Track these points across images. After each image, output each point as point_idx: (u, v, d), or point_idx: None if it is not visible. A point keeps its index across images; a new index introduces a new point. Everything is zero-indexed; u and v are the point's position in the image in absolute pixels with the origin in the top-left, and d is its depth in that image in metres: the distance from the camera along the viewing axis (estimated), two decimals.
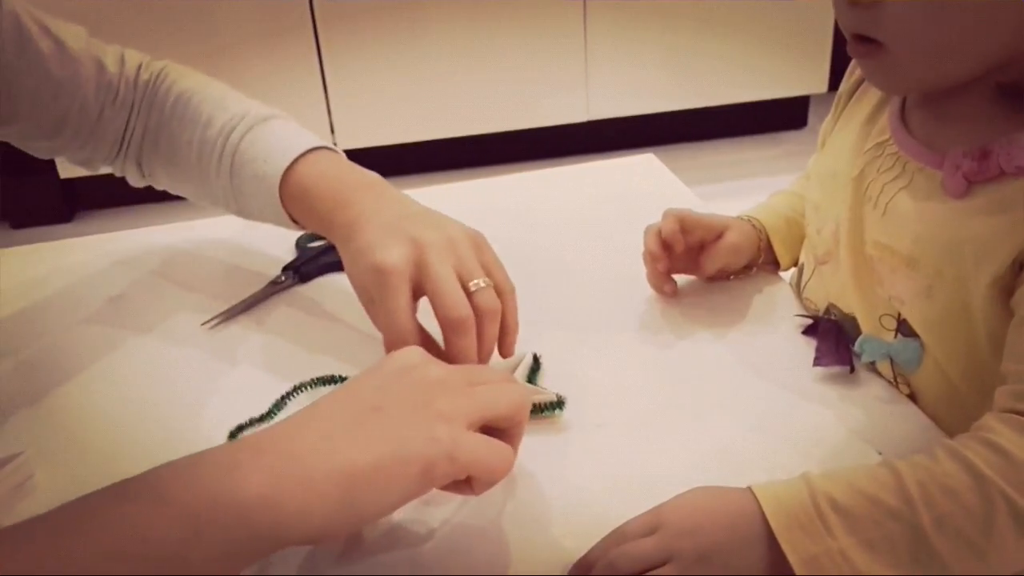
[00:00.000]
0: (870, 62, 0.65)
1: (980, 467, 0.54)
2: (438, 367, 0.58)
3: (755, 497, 0.55)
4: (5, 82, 0.79)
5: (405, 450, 0.52)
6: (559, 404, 0.69)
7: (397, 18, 2.45)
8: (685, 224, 0.80)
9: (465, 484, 0.56)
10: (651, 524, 0.56)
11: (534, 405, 0.69)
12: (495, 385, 0.59)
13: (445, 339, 0.67)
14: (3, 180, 2.52)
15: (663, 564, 0.54)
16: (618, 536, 0.56)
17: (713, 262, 0.82)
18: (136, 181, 0.91)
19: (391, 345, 0.67)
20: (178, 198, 0.91)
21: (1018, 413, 0.57)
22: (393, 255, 0.67)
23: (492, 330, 0.69)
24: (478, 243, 0.71)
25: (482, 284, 0.68)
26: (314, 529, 0.49)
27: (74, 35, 0.83)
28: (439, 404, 0.55)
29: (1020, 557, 0.54)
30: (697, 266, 0.83)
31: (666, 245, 0.81)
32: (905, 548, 0.53)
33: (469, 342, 0.67)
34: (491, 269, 0.70)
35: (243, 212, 0.84)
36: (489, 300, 0.68)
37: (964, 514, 0.53)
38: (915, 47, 0.62)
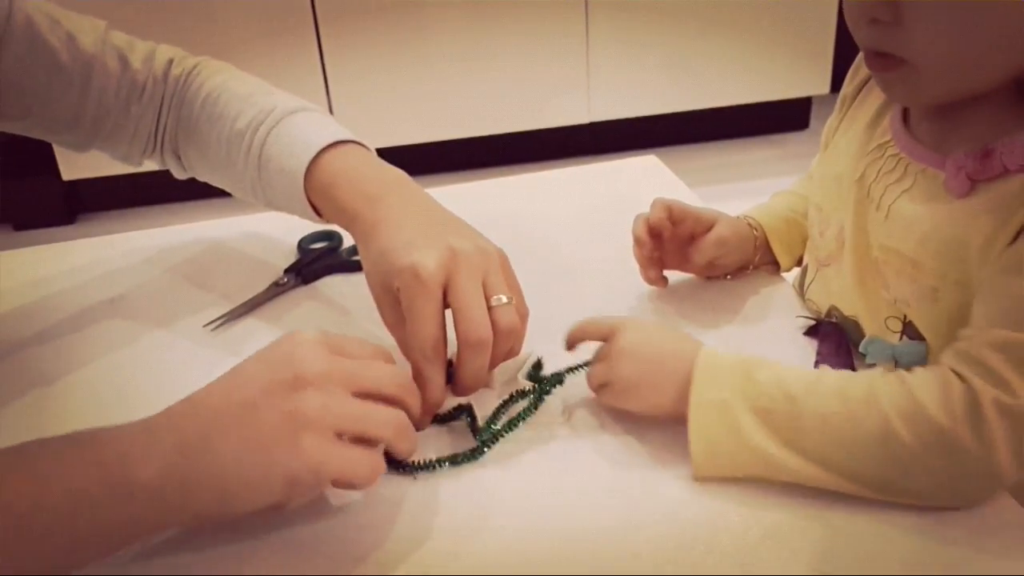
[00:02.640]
0: (890, 76, 0.65)
1: (878, 390, 0.60)
2: (321, 362, 0.58)
3: (700, 346, 0.65)
4: (16, 76, 0.79)
5: (271, 459, 0.55)
6: (556, 380, 0.71)
7: (399, 21, 2.45)
8: (674, 214, 0.81)
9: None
10: (611, 328, 0.68)
11: (531, 389, 0.70)
12: (375, 407, 0.59)
13: (460, 355, 0.67)
14: (5, 182, 2.52)
15: (605, 385, 0.67)
16: (586, 331, 0.71)
17: (702, 254, 0.81)
18: (179, 174, 0.91)
19: (416, 350, 0.67)
20: (179, 199, 0.91)
21: (942, 364, 0.61)
22: (431, 259, 0.67)
23: (506, 348, 0.69)
24: (504, 261, 0.71)
25: (504, 300, 0.68)
26: (192, 520, 0.58)
27: (90, 28, 0.83)
28: (311, 408, 0.56)
29: (893, 476, 0.59)
30: (687, 259, 0.83)
31: (654, 233, 0.81)
32: (786, 426, 0.61)
33: (484, 363, 0.67)
34: (512, 289, 0.70)
35: (272, 205, 0.84)
36: (509, 318, 0.68)
37: (846, 418, 0.60)
38: (937, 63, 0.62)
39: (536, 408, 0.70)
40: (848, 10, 0.65)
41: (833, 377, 0.62)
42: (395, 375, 0.62)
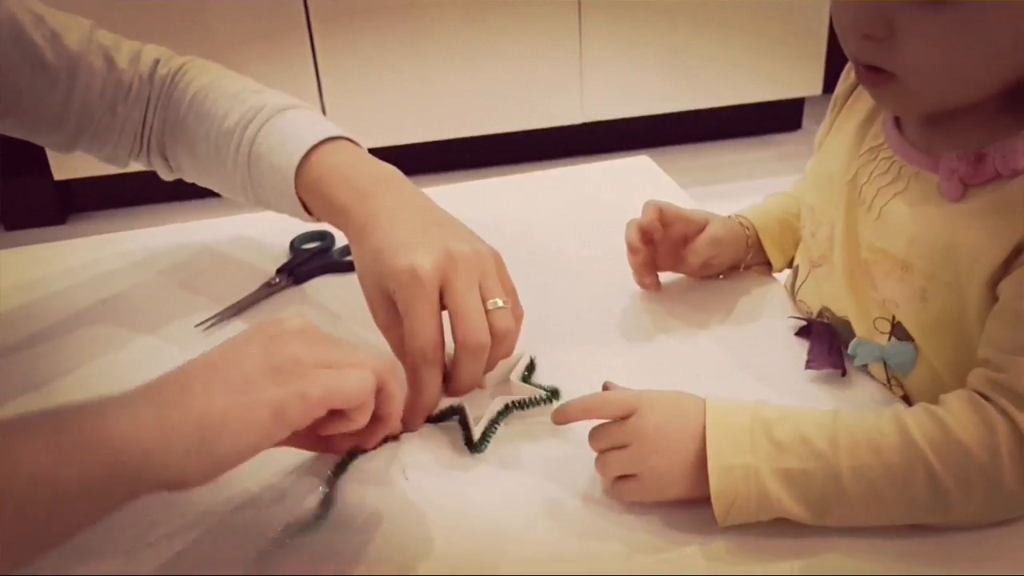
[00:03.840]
0: (882, 90, 0.65)
1: (912, 432, 0.58)
2: (301, 322, 0.58)
3: (704, 405, 0.61)
4: (0, 73, 0.78)
5: (253, 395, 0.53)
6: (553, 395, 0.69)
7: (392, 21, 2.45)
8: (665, 216, 0.81)
9: (341, 421, 0.57)
10: (631, 407, 0.62)
11: (528, 399, 0.69)
12: (345, 370, 0.57)
13: (457, 358, 0.67)
14: None
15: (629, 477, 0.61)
16: (600, 402, 0.63)
17: (696, 255, 0.81)
18: (166, 175, 0.90)
19: (414, 353, 0.66)
20: (171, 199, 0.91)
21: (980, 393, 0.59)
22: (427, 262, 0.66)
23: (501, 352, 0.69)
24: (499, 263, 0.71)
25: (500, 304, 0.68)
26: (174, 469, 0.51)
27: (75, 27, 0.82)
28: (292, 351, 0.55)
29: (930, 518, 0.58)
30: (681, 261, 0.83)
31: (647, 237, 0.81)
32: (818, 487, 0.58)
33: (480, 367, 0.67)
34: (507, 292, 0.70)
35: (262, 203, 0.83)
36: (506, 322, 0.68)
37: (883, 471, 0.57)
38: (929, 77, 0.61)
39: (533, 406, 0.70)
40: (839, 23, 0.65)
41: (855, 425, 0.59)
42: (367, 377, 0.59)
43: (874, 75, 0.63)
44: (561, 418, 0.64)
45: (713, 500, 0.59)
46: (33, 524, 0.49)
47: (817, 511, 0.58)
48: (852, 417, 0.60)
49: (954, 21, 0.58)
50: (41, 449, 0.49)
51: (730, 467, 0.58)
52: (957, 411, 0.58)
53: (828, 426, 0.59)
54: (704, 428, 0.60)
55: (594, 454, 0.63)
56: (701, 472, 0.59)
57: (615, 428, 0.62)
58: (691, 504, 0.61)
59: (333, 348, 0.58)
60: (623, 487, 0.62)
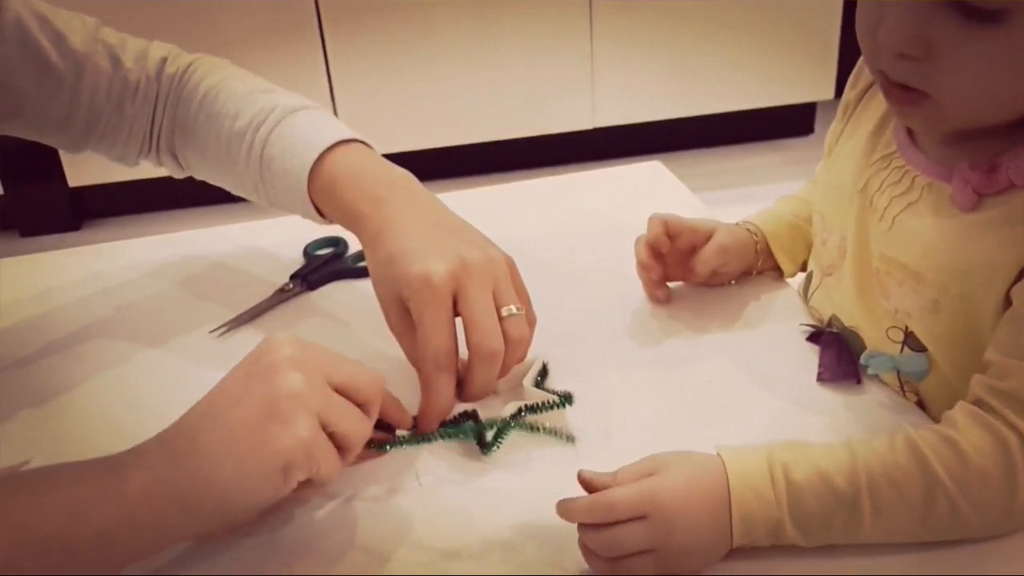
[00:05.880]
0: (910, 109, 0.63)
1: (932, 463, 0.57)
2: (294, 347, 0.57)
3: (720, 462, 0.58)
4: (6, 76, 0.79)
5: (261, 448, 0.53)
6: (566, 400, 0.69)
7: (403, 27, 2.45)
8: (670, 228, 0.81)
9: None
10: (641, 510, 0.56)
11: (541, 403, 0.69)
12: (347, 404, 0.58)
13: (471, 365, 0.67)
14: (11, 188, 2.52)
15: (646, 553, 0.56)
16: (606, 509, 0.56)
17: (705, 264, 0.81)
18: (177, 173, 0.90)
19: (428, 360, 0.66)
20: (185, 205, 0.91)
21: (985, 404, 0.59)
22: (441, 268, 0.66)
23: (515, 358, 0.69)
24: (513, 269, 0.71)
25: (514, 311, 0.68)
26: (189, 530, 0.55)
27: (80, 26, 0.82)
28: (288, 384, 0.55)
29: (941, 538, 0.58)
30: (690, 271, 0.82)
31: (655, 251, 0.81)
32: (840, 528, 0.57)
33: (494, 374, 0.67)
34: (521, 298, 0.70)
35: (274, 205, 0.83)
36: (519, 329, 0.68)
37: (905, 507, 0.57)
38: (964, 98, 0.60)
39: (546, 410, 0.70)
40: (868, 39, 0.63)
41: (874, 459, 0.57)
42: (371, 376, 0.60)
43: (905, 93, 0.62)
44: (568, 516, 0.58)
45: (735, 543, 0.58)
46: None
47: (828, 542, 0.58)
48: (865, 449, 0.58)
49: (997, 43, 0.57)
50: (60, 505, 0.51)
51: (755, 524, 0.57)
52: (968, 433, 0.58)
53: (846, 463, 0.57)
54: (724, 479, 0.57)
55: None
56: (723, 538, 0.57)
57: (632, 532, 0.56)
58: None
59: (328, 367, 0.58)
60: (630, 562, 0.56)
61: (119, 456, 0.54)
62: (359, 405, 0.58)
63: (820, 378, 0.73)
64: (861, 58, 0.69)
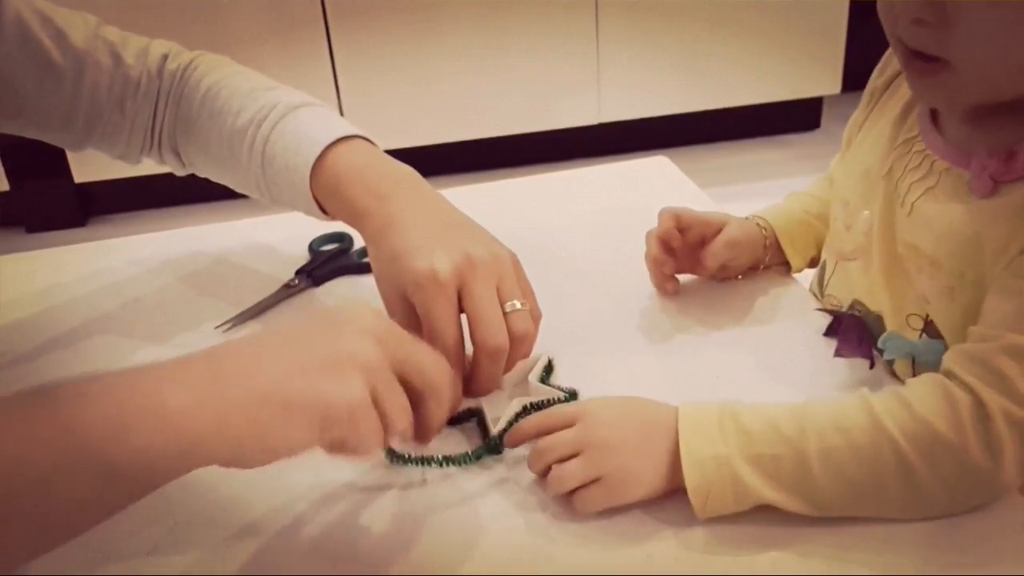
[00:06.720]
0: (929, 80, 0.63)
1: (880, 413, 0.58)
2: (378, 321, 0.56)
3: (676, 409, 0.61)
4: (7, 74, 0.79)
5: (312, 389, 0.51)
6: (571, 396, 0.69)
7: (409, 23, 2.46)
8: (681, 221, 0.80)
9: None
10: (574, 415, 0.62)
11: (545, 400, 0.69)
12: (401, 396, 0.55)
13: (476, 361, 0.67)
14: (17, 184, 2.53)
15: (575, 455, 0.60)
16: (545, 424, 0.63)
17: (714, 257, 0.81)
18: (179, 171, 0.90)
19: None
20: (191, 201, 0.91)
21: (950, 373, 0.59)
22: (445, 264, 0.66)
23: (520, 353, 0.69)
24: (517, 265, 0.71)
25: (518, 306, 0.68)
26: (226, 453, 0.51)
27: (81, 24, 0.82)
28: (363, 351, 0.53)
29: (900, 505, 0.58)
30: (699, 263, 0.82)
31: (666, 245, 0.81)
32: (789, 471, 0.58)
33: (499, 369, 0.67)
34: (525, 293, 0.70)
35: (277, 202, 0.83)
36: (524, 325, 0.68)
37: (851, 453, 0.58)
38: (981, 66, 0.60)
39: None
40: (886, 9, 0.63)
41: (823, 410, 0.60)
42: (444, 366, 0.59)
43: (923, 63, 0.62)
44: (514, 440, 0.64)
45: (690, 493, 0.59)
46: (82, 499, 0.48)
47: (792, 495, 0.58)
48: (821, 403, 0.61)
49: (1012, 8, 0.57)
50: (101, 420, 0.48)
51: (702, 459, 0.59)
52: (921, 392, 0.59)
53: (796, 413, 0.60)
54: (674, 423, 0.60)
55: None
56: (671, 468, 0.60)
57: (560, 437, 0.61)
58: (670, 496, 0.61)
59: (403, 353, 0.56)
60: (586, 496, 0.60)
61: (161, 369, 0.51)
62: (416, 394, 0.57)
63: (837, 353, 0.73)
64: (890, 48, 0.69)
